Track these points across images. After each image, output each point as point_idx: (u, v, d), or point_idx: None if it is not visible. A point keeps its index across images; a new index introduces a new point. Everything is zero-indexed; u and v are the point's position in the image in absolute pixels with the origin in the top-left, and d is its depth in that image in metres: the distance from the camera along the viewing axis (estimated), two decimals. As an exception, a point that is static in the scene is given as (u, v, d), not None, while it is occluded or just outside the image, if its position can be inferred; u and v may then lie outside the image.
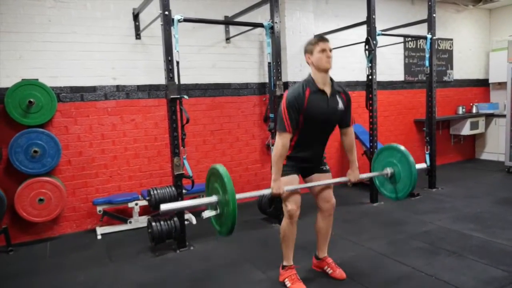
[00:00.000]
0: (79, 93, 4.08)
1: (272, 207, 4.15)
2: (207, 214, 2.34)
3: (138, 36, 4.30)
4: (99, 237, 3.94)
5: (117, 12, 4.19)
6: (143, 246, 3.64)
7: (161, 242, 3.42)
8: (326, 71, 2.55)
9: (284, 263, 2.80)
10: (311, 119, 2.52)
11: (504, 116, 6.78)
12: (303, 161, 2.67)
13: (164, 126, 4.49)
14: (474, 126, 6.88)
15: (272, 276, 2.91)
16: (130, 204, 4.05)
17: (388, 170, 2.96)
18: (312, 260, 3.01)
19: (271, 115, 4.02)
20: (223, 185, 2.21)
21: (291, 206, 2.62)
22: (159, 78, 4.42)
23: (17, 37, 3.75)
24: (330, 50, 2.53)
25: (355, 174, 2.82)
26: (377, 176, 3.08)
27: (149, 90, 4.42)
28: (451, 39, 6.90)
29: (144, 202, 4.10)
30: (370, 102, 4.58)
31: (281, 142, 2.50)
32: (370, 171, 3.29)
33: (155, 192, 3.40)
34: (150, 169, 4.48)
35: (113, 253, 3.53)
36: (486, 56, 7.45)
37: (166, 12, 3.31)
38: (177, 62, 3.43)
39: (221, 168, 2.26)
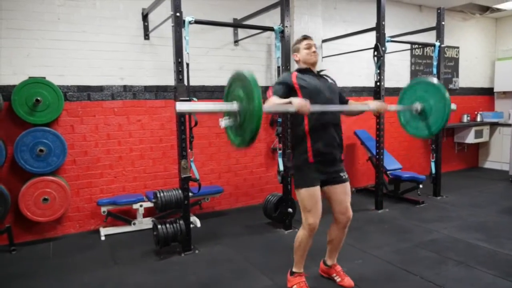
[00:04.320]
0: (86, 93, 4.05)
1: (277, 211, 4.12)
2: (226, 122, 2.17)
3: (146, 36, 4.28)
4: (102, 238, 3.91)
5: (126, 12, 4.17)
6: (147, 248, 3.61)
7: (166, 245, 3.39)
8: (313, 65, 2.68)
9: (294, 270, 2.76)
10: (309, 92, 2.52)
11: (508, 125, 6.80)
12: (324, 155, 2.57)
13: (170, 128, 4.48)
14: (478, 134, 6.87)
15: (279, 282, 2.88)
16: (135, 206, 4.02)
17: (418, 105, 2.82)
18: (320, 265, 2.98)
19: (279, 120, 3.99)
20: (249, 91, 2.05)
21: (313, 219, 2.56)
22: (167, 79, 4.42)
23: (25, 34, 3.73)
24: (315, 46, 2.68)
25: (382, 103, 2.75)
26: (403, 112, 2.94)
27: (156, 91, 4.39)
28: (458, 47, 6.90)
29: (148, 204, 4.07)
30: (378, 108, 4.55)
31: (271, 99, 2.44)
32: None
33: (162, 194, 3.37)
34: (154, 171, 4.45)
35: (117, 255, 3.50)
36: (492, 65, 7.45)
37: (178, 14, 3.29)
38: (187, 64, 3.41)
39: (248, 73, 2.11)
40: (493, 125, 7.11)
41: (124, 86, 4.23)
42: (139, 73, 4.29)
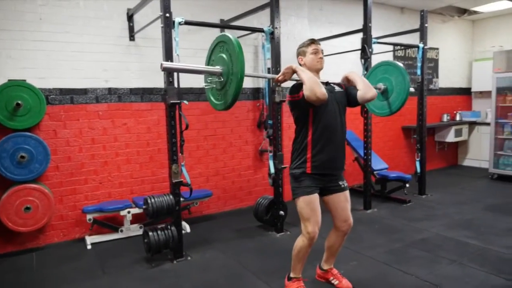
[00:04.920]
0: (69, 96, 3.89)
1: (269, 214, 4.08)
2: (209, 83, 2.33)
3: (132, 37, 4.15)
4: (89, 246, 3.76)
5: (111, 12, 4.04)
6: (137, 256, 3.50)
7: (158, 252, 3.29)
8: (318, 71, 2.61)
9: (292, 275, 2.72)
10: (317, 106, 2.46)
11: (486, 124, 7.00)
12: (326, 164, 2.54)
13: (157, 131, 4.37)
14: (458, 133, 7.05)
15: (276, 287, 2.84)
16: (122, 212, 3.89)
17: (381, 85, 3.10)
18: (316, 270, 2.96)
19: (270, 122, 3.96)
20: (233, 54, 2.17)
21: (312, 228, 2.51)
22: (153, 81, 4.31)
23: (5, 34, 3.54)
24: (322, 52, 2.62)
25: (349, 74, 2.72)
26: None
27: (142, 94, 4.28)
28: (437, 49, 7.06)
29: (136, 210, 3.95)
30: (365, 109, 4.59)
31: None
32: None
33: (153, 200, 3.27)
34: (142, 175, 4.33)
35: (105, 264, 3.37)
36: (469, 65, 7.66)
37: (167, 14, 3.21)
38: (177, 66, 3.32)
39: (232, 37, 2.24)
40: (472, 124, 7.31)
41: (109, 89, 4.09)
42: (125, 75, 4.16)
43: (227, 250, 3.63)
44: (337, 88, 2.66)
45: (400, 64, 3.18)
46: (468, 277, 2.92)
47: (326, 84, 2.61)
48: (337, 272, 2.87)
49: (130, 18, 4.12)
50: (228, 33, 2.31)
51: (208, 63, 2.39)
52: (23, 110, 3.49)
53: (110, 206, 3.87)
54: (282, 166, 3.92)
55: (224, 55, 2.22)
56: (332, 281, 2.84)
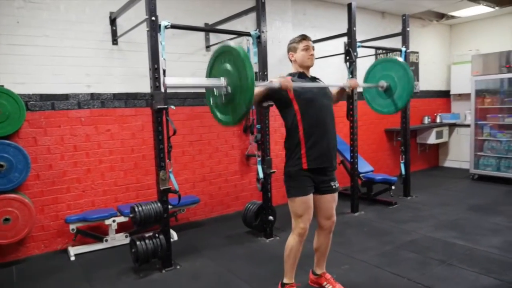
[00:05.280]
0: (50, 101, 3.75)
1: (258, 220, 4.03)
2: (217, 94, 2.14)
3: (115, 41, 4.05)
4: (72, 258, 3.62)
5: (93, 16, 3.92)
6: (124, 266, 3.39)
7: (146, 262, 3.19)
8: (308, 68, 2.65)
9: (285, 281, 2.69)
10: (304, 99, 2.49)
11: (465, 125, 7.17)
12: (319, 161, 2.52)
13: (142, 137, 4.27)
14: (439, 135, 7.18)
15: (271, 295, 2.79)
16: (107, 221, 3.77)
17: (384, 83, 3.01)
18: (309, 275, 2.93)
19: (258, 126, 3.92)
20: (240, 65, 2.02)
21: (305, 224, 2.52)
22: (137, 86, 4.21)
23: (-20, 39, 3.40)
24: (313, 48, 2.63)
25: (354, 80, 2.88)
26: (369, 90, 3.09)
27: (126, 99, 4.17)
28: (417, 52, 7.19)
29: (122, 219, 3.84)
30: (351, 112, 4.62)
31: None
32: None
33: (140, 208, 3.16)
34: (126, 183, 4.21)
35: (91, 276, 3.25)
36: (448, 69, 7.84)
37: (153, 18, 3.14)
38: (164, 70, 3.25)
39: (239, 47, 2.10)
40: (452, 126, 7.47)
41: (92, 94, 3.97)
42: (108, 80, 4.05)
43: (217, 257, 3.56)
44: (322, 83, 2.73)
45: (399, 58, 3.11)
46: (458, 277, 2.95)
47: (314, 79, 2.68)
48: (330, 277, 2.84)
49: (112, 21, 4.01)
50: (229, 43, 2.18)
51: (210, 74, 2.26)
52: (1, 117, 3.33)
53: (94, 215, 3.73)
54: (271, 171, 3.88)
55: (228, 66, 2.08)
56: (326, 286, 2.81)
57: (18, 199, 3.39)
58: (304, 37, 2.62)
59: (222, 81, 2.12)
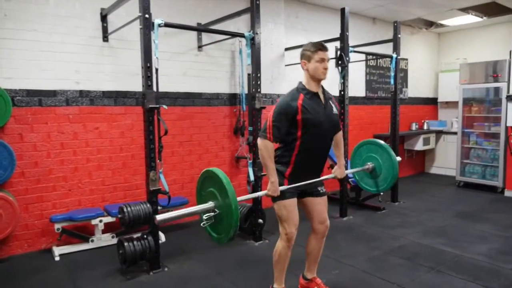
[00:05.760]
0: (37, 97, 3.66)
1: (247, 223, 4.00)
2: (207, 218, 2.19)
3: (105, 38, 3.97)
4: (57, 258, 3.53)
5: (83, 11, 3.84)
6: (110, 267, 3.31)
7: (133, 264, 3.13)
8: (319, 81, 2.50)
9: (275, 286, 2.67)
10: (310, 125, 2.41)
11: (451, 133, 7.27)
12: (304, 175, 2.53)
13: (131, 136, 4.20)
14: (426, 142, 7.27)
15: (261, 298, 2.76)
16: (94, 221, 3.69)
17: (369, 165, 3.03)
18: (300, 280, 2.91)
19: (250, 128, 3.89)
20: (221, 188, 2.13)
21: (290, 229, 2.51)
22: (127, 85, 4.14)
23: (-34, 31, 3.29)
24: (328, 60, 2.46)
25: (341, 171, 2.80)
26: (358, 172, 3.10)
27: (116, 97, 4.09)
28: (406, 59, 7.28)
29: (109, 219, 3.76)
30: (342, 117, 4.63)
31: (263, 144, 2.40)
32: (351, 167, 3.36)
33: (129, 209, 3.10)
34: (114, 182, 4.13)
35: (76, 277, 3.17)
36: (436, 76, 7.95)
37: (147, 15, 3.09)
38: (156, 69, 3.20)
39: (217, 170, 2.19)
40: (438, 133, 7.57)
41: (80, 91, 3.88)
42: (97, 77, 3.97)
43: (205, 260, 3.51)
44: (334, 110, 2.58)
45: (383, 142, 3.07)
46: (447, 284, 2.97)
47: (326, 100, 2.54)
48: (320, 282, 2.83)
49: (103, 18, 3.94)
50: (214, 168, 2.24)
51: (199, 199, 2.35)
52: (-14, 112, 3.24)
53: (81, 214, 3.65)
54: (262, 174, 3.86)
55: (213, 189, 2.20)
56: (316, 291, 2.80)
57: (2, 196, 3.28)
58: (320, 47, 2.41)
59: (210, 204, 2.20)
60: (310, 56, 2.42)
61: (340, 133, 2.76)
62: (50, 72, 3.72)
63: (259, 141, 2.43)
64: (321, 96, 2.52)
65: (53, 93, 3.74)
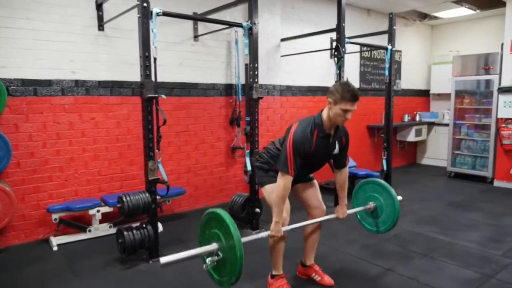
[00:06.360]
0: (32, 87, 3.62)
1: (244, 212, 4.04)
2: (210, 263, 2.16)
3: (101, 27, 3.93)
4: (55, 248, 3.53)
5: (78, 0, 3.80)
6: (109, 257, 3.33)
7: (133, 252, 3.15)
8: (334, 126, 2.51)
9: (274, 272, 2.71)
10: (308, 156, 2.47)
11: (443, 124, 7.38)
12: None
13: (127, 126, 4.19)
14: (418, 133, 7.37)
15: (260, 285, 2.81)
16: (91, 211, 3.69)
17: (371, 205, 3.00)
18: (298, 267, 2.97)
19: (248, 118, 3.91)
20: (226, 230, 2.10)
21: (283, 214, 2.51)
22: (123, 74, 4.12)
23: (-41, 18, 3.24)
24: (352, 113, 2.39)
25: (343, 211, 2.82)
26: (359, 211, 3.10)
27: (112, 87, 4.07)
28: (400, 51, 7.33)
29: (106, 209, 3.77)
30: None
31: (284, 183, 2.40)
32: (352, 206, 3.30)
33: (128, 198, 3.11)
34: (110, 172, 4.12)
35: (76, 266, 3.17)
36: (428, 68, 8.03)
37: (145, 4, 3.07)
38: (155, 59, 3.19)
39: (221, 211, 2.15)
40: (430, 125, 7.67)
41: (76, 81, 3.85)
42: (93, 67, 3.94)
43: (203, 249, 3.54)
44: (336, 150, 2.61)
45: (389, 187, 3.00)
46: (440, 270, 3.05)
47: (335, 140, 2.57)
48: (318, 268, 2.89)
49: (99, 6, 3.90)
50: (218, 209, 2.20)
51: (202, 241, 2.32)
52: (-19, 101, 3.21)
53: (78, 205, 3.65)
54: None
55: (217, 231, 2.17)
56: (314, 277, 2.86)
57: (-2, 187, 3.27)
58: (352, 99, 2.31)
59: (214, 246, 2.16)
60: (337, 101, 2.34)
61: (345, 173, 2.78)
62: (45, 61, 3.68)
63: (281, 178, 2.41)
64: (331, 136, 2.54)
65: (48, 83, 3.70)
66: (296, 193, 2.75)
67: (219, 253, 2.14)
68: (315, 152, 2.47)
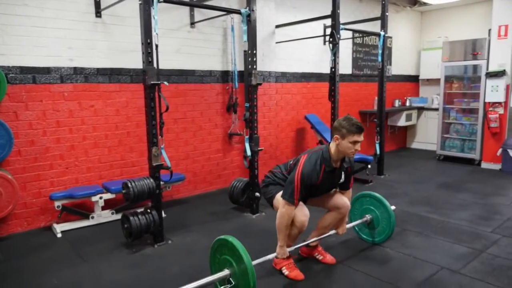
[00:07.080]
0: (31, 74, 3.61)
1: (244, 196, 4.13)
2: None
3: (98, 14, 3.91)
4: (59, 235, 3.57)
5: (75, -14, 3.77)
6: (114, 242, 3.39)
7: (139, 237, 3.22)
8: (343, 157, 2.63)
9: (280, 244, 2.79)
10: (314, 187, 2.61)
11: (432, 109, 7.55)
12: None
13: (126, 114, 4.21)
14: (408, 118, 7.53)
15: (266, 266, 2.90)
16: (94, 198, 3.73)
17: (368, 217, 3.24)
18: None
19: (247, 104, 3.97)
20: (237, 256, 2.21)
21: (302, 217, 2.61)
22: (122, 62, 4.13)
23: (-44, 5, 3.19)
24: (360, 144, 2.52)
25: (343, 228, 2.97)
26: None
27: (110, 74, 4.07)
28: (391, 37, 7.43)
29: (109, 196, 3.81)
30: (333, 93, 4.76)
31: (287, 213, 2.55)
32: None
33: (133, 184, 3.16)
34: (110, 160, 4.16)
35: (82, 252, 3.23)
36: (418, 54, 8.17)
37: (146, -9, 3.07)
38: (156, 46, 3.21)
39: (231, 238, 2.28)
40: (420, 109, 7.84)
41: (75, 68, 3.85)
42: (91, 54, 3.93)
43: (206, 232, 3.63)
44: (341, 180, 2.76)
45: (386, 201, 3.22)
46: (434, 247, 3.21)
47: (342, 166, 2.68)
48: (321, 249, 3.00)
49: (96, -7, 3.88)
50: (228, 236, 2.33)
51: (214, 261, 2.42)
52: (-19, 89, 3.19)
53: (81, 192, 3.69)
54: (258, 149, 3.97)
55: (229, 258, 2.26)
56: (317, 257, 2.98)
57: (1, 175, 3.28)
58: (358, 131, 2.45)
59: (226, 272, 2.28)
60: (344, 135, 2.47)
61: (348, 195, 2.92)
62: (43, 48, 3.66)
63: (284, 207, 2.55)
64: (337, 168, 2.65)
65: (47, 70, 3.69)
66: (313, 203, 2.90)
67: (231, 279, 2.26)
68: (322, 183, 2.63)
